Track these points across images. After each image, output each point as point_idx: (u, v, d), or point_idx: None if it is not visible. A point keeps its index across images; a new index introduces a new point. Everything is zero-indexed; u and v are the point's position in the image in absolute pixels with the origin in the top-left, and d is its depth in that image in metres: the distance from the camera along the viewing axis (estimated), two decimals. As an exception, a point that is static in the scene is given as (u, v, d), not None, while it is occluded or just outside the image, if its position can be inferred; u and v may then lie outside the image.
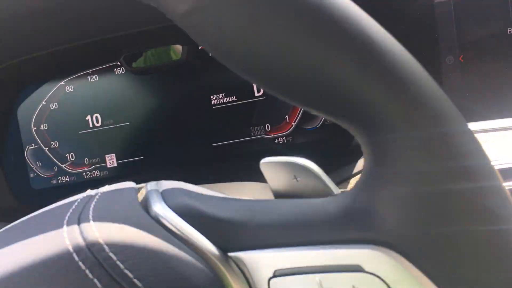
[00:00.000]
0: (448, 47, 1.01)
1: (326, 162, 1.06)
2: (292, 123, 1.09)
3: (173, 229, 0.38)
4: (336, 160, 1.02)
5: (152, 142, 1.12)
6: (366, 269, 0.35)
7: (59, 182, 1.14)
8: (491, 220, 0.31)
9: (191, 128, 1.11)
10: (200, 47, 1.10)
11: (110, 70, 1.12)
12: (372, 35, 0.32)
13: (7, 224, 1.04)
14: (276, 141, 1.10)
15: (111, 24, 1.04)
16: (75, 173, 1.14)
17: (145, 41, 1.07)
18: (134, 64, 1.10)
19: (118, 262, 0.34)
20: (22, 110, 1.14)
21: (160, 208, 0.40)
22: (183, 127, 1.11)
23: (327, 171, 0.94)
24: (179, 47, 1.08)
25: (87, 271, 0.34)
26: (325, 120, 1.09)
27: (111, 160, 1.13)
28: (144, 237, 0.37)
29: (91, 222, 0.38)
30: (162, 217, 0.39)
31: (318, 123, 1.09)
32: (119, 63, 1.11)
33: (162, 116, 1.12)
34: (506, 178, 0.43)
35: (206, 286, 0.36)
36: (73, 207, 0.42)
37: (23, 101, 1.14)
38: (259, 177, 0.94)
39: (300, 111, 1.09)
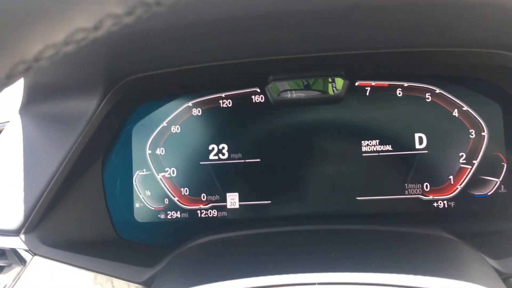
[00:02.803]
0: None
1: (494, 244, 0.88)
2: (458, 186, 0.92)
3: None
4: (509, 242, 0.84)
5: (284, 186, 0.95)
6: None
7: (168, 217, 0.98)
8: None
9: (333, 175, 0.94)
10: (357, 83, 0.94)
11: (247, 96, 0.97)
12: None
13: (103, 260, 0.88)
14: (435, 204, 0.92)
15: (260, 47, 0.89)
16: (188, 209, 0.97)
17: (300, 68, 0.92)
18: (275, 93, 0.94)
19: None
20: (137, 130, 0.98)
21: None
22: (323, 172, 0.95)
23: (491, 255, 0.76)
24: (340, 81, 0.92)
25: None
26: (499, 186, 0.91)
27: (232, 200, 0.96)
28: None
29: None
30: None
31: (490, 190, 0.91)
32: (258, 90, 0.96)
33: (300, 157, 0.95)
34: None
35: None
36: None
37: (140, 120, 0.99)
38: (403, 247, 0.76)
39: (469, 173, 0.91)
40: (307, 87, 0.95)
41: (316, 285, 0.57)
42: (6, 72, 0.28)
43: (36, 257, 0.88)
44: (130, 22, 0.30)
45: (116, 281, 0.86)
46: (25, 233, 0.88)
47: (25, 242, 0.88)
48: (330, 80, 0.92)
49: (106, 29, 0.29)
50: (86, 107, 0.90)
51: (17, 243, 0.89)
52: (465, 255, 0.72)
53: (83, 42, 0.29)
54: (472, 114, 0.92)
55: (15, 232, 0.89)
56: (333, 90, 0.92)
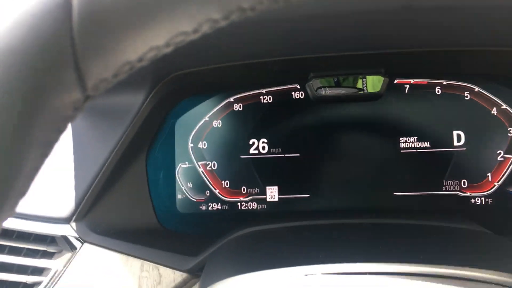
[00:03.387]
0: None
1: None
2: (495, 183, 0.93)
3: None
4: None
5: (322, 180, 0.98)
6: None
7: (209, 209, 1.01)
8: None
9: (371, 171, 0.96)
10: (396, 81, 0.96)
11: (287, 93, 0.99)
12: None
13: (149, 249, 0.92)
14: (472, 201, 0.94)
15: (302, 46, 0.91)
16: (228, 201, 1.01)
17: (340, 65, 0.94)
18: (314, 90, 0.96)
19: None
20: (180, 124, 1.02)
21: None
22: (362, 168, 0.97)
23: None
24: (379, 79, 0.94)
25: None
26: (537, 185, 0.92)
27: (272, 193, 0.99)
28: None
29: None
30: None
31: (528, 188, 0.92)
32: (298, 87, 0.98)
33: (338, 152, 0.97)
34: None
35: None
36: None
37: (183, 114, 1.02)
38: (445, 241, 0.77)
39: (507, 170, 0.93)
40: (338, 84, 0.97)
41: (368, 275, 0.60)
42: (114, 72, 0.31)
43: (85, 244, 0.93)
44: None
45: (162, 269, 0.90)
46: (75, 221, 0.93)
47: (76, 230, 0.93)
48: (361, 77, 0.94)
49: (203, 32, 0.31)
50: (133, 101, 0.94)
51: (68, 230, 0.93)
52: (505, 248, 0.74)
53: (181, 44, 0.32)
54: (511, 113, 0.93)
55: (66, 220, 0.93)
56: (363, 87, 0.94)
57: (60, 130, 0.31)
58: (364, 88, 0.95)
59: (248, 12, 0.31)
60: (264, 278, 0.61)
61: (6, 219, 0.30)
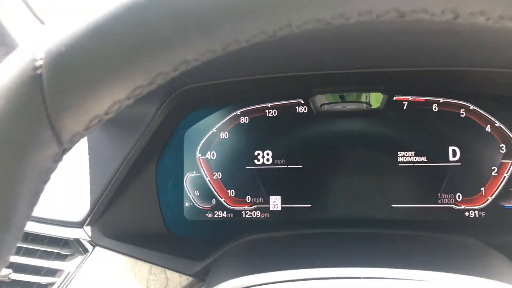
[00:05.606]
0: None
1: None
2: (489, 197, 0.97)
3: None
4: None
5: (324, 191, 1.03)
6: None
7: (215, 216, 1.06)
8: None
9: (371, 183, 1.01)
10: (395, 98, 1.01)
11: (291, 107, 1.04)
12: None
13: (157, 253, 0.96)
14: (466, 214, 0.98)
15: (306, 63, 0.97)
16: (233, 210, 1.05)
17: (342, 82, 0.99)
18: (317, 104, 1.01)
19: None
20: (189, 135, 1.07)
21: None
22: (360, 180, 1.02)
23: None
24: (377, 95, 0.99)
25: None
26: (529, 199, 0.96)
27: (275, 203, 1.04)
28: None
29: None
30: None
31: (520, 202, 0.96)
32: (302, 101, 1.04)
33: (339, 164, 1.02)
34: None
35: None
36: None
37: (191, 126, 1.07)
38: (434, 253, 0.81)
39: (499, 185, 0.97)
40: (345, 101, 1.02)
41: (362, 279, 0.65)
42: (85, 126, 0.35)
43: (97, 248, 0.98)
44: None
45: (169, 273, 0.95)
46: (88, 225, 0.98)
47: (88, 234, 0.98)
48: (367, 94, 1.00)
49: (157, 83, 0.35)
50: (145, 113, 0.99)
51: (81, 234, 0.98)
52: (495, 260, 0.78)
53: (139, 96, 0.36)
54: (504, 130, 0.98)
55: (79, 224, 0.98)
56: (370, 104, 0.99)
57: (44, 181, 0.35)
58: (368, 102, 1.00)
59: (193, 63, 0.34)
60: (264, 280, 0.65)
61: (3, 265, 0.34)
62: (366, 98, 1.00)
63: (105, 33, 0.32)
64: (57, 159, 0.35)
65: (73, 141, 0.35)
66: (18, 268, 0.97)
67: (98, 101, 0.34)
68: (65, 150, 0.35)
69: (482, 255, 0.80)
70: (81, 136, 0.36)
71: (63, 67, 0.32)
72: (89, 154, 1.02)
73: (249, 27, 0.32)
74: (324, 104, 1.01)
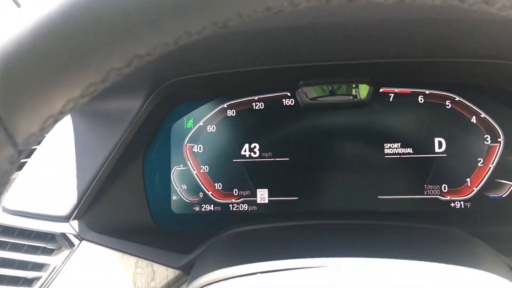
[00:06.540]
0: None
1: (507, 242, 0.93)
2: (474, 188, 0.98)
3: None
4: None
5: (311, 183, 1.03)
6: None
7: (202, 210, 1.06)
8: None
9: (357, 175, 1.01)
10: (381, 90, 1.01)
11: (278, 100, 1.04)
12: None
13: (144, 246, 0.96)
14: (452, 205, 0.99)
15: (292, 55, 0.96)
16: (221, 203, 1.05)
17: (329, 74, 0.99)
18: (304, 97, 1.01)
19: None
20: (175, 128, 1.07)
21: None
22: (348, 172, 1.02)
23: (504, 252, 0.82)
24: (365, 87, 0.99)
25: None
26: (514, 190, 0.97)
27: (262, 196, 1.04)
28: None
29: None
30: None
31: (505, 192, 0.97)
32: (289, 94, 1.04)
33: (326, 157, 1.02)
34: None
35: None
36: None
37: (178, 119, 1.07)
38: (419, 242, 0.82)
39: (485, 176, 0.98)
40: (332, 93, 1.02)
41: (345, 268, 0.65)
42: (40, 126, 0.34)
43: (83, 242, 0.97)
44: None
45: (156, 266, 0.94)
46: (74, 219, 0.97)
47: (74, 228, 0.97)
48: (354, 86, 1.00)
49: (112, 80, 0.34)
50: (131, 106, 0.99)
51: (67, 228, 0.98)
52: (479, 249, 0.78)
53: (94, 93, 0.35)
54: (489, 121, 0.98)
55: (65, 219, 0.98)
56: (356, 96, 0.99)
57: (3, 184, 0.35)
58: (357, 95, 1.00)
59: (146, 58, 0.34)
60: (245, 271, 0.65)
61: None
62: (356, 92, 0.99)
63: (52, 31, 0.31)
64: (14, 161, 0.34)
65: (29, 142, 0.34)
66: (4, 263, 0.96)
67: (51, 100, 0.33)
68: (21, 152, 0.34)
69: (468, 245, 0.80)
70: (38, 137, 0.35)
71: (11, 67, 0.32)
72: (75, 147, 1.01)
73: (198, 19, 0.32)
74: (312, 99, 1.01)
